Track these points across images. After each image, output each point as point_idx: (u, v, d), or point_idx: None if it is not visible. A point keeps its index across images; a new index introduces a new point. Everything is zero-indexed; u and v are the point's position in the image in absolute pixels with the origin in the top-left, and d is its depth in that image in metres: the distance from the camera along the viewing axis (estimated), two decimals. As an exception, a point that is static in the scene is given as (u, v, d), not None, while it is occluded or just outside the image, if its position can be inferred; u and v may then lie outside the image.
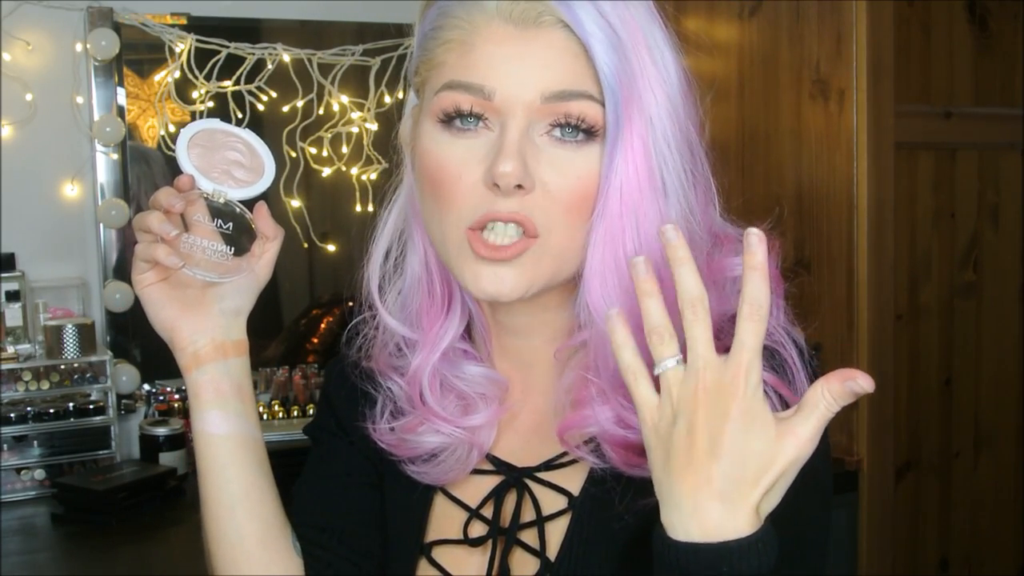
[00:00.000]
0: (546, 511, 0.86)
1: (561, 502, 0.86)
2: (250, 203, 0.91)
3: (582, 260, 0.81)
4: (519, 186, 0.77)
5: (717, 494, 0.65)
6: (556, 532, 0.85)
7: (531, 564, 0.85)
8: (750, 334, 0.66)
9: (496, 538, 0.87)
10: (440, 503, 0.92)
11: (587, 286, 0.80)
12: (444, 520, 0.91)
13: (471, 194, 0.79)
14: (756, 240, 0.66)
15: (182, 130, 0.91)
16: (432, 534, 0.91)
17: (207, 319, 0.89)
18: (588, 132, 0.79)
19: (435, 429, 0.88)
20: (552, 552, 0.84)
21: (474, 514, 0.89)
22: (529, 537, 0.86)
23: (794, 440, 0.66)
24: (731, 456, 0.65)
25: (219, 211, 0.89)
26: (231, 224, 0.89)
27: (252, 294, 0.92)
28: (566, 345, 0.86)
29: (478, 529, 0.89)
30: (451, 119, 0.80)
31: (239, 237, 0.90)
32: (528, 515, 0.86)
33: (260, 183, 0.91)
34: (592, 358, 0.82)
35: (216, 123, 0.92)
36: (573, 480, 0.86)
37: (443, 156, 0.80)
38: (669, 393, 0.68)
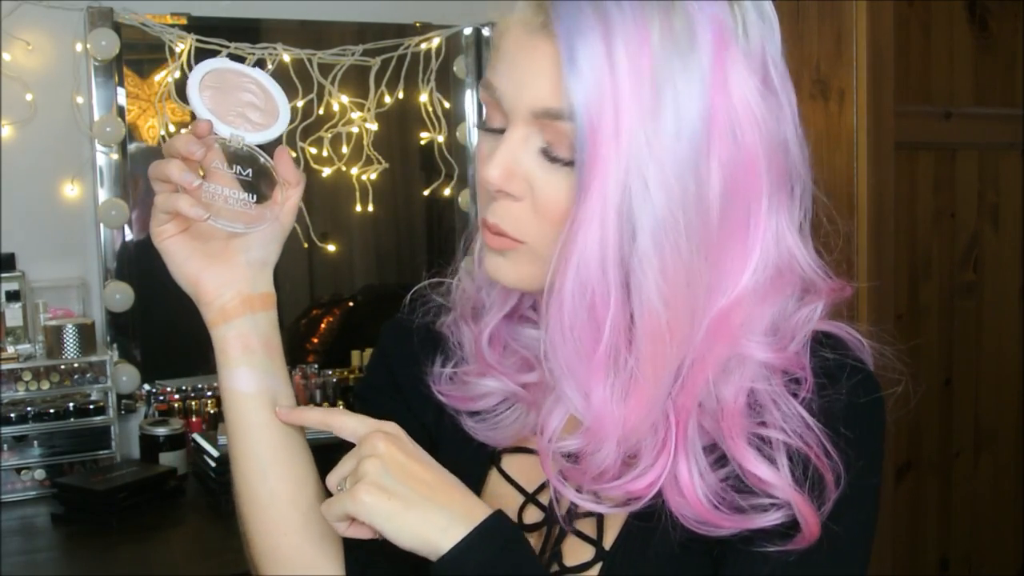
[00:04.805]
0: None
1: None
2: (267, 148, 0.86)
3: None
4: (508, 192, 0.76)
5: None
6: (613, 523, 0.83)
7: (584, 551, 0.83)
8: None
9: (552, 525, 0.86)
10: (494, 481, 0.90)
11: (549, 309, 0.74)
12: (497, 499, 0.88)
13: (483, 191, 0.80)
14: None
15: (191, 71, 0.85)
16: None
17: (233, 271, 0.86)
18: (569, 155, 0.73)
19: (494, 378, 0.87)
20: (608, 542, 0.83)
21: (530, 499, 0.88)
22: (584, 526, 0.84)
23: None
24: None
25: (237, 157, 0.84)
26: (250, 171, 0.84)
27: (278, 244, 0.89)
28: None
29: (533, 515, 0.87)
30: (483, 120, 0.80)
31: (258, 184, 0.85)
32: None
33: (277, 126, 0.86)
34: None
35: (227, 62, 0.86)
36: None
37: (480, 149, 0.80)
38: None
